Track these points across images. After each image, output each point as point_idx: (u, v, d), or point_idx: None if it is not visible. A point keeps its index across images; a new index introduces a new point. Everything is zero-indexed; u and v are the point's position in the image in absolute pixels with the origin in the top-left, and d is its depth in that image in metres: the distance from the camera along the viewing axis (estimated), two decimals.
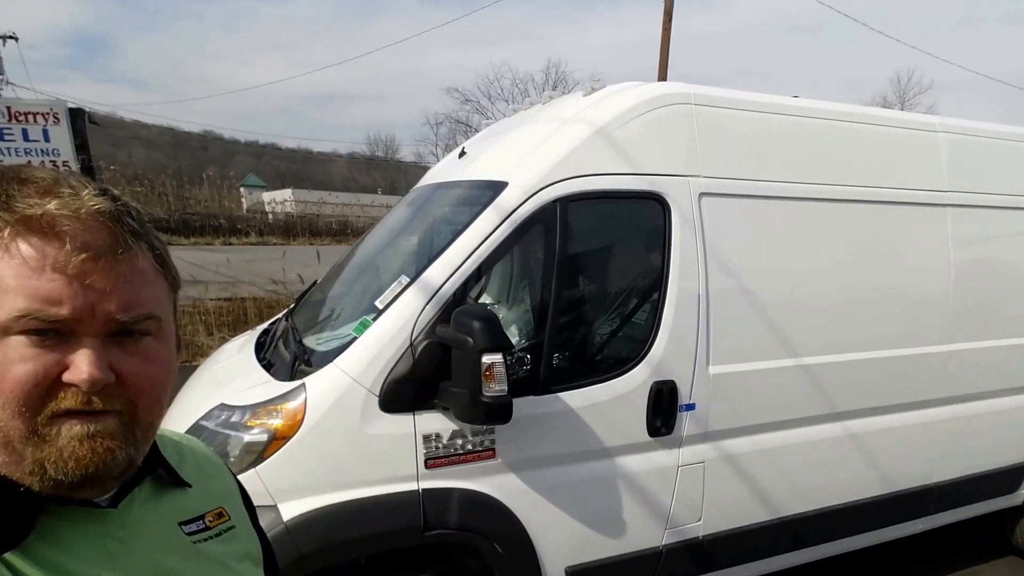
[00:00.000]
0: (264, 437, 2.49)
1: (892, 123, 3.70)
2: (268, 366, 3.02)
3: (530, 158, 2.97)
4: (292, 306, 3.95)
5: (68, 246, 0.70)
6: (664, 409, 2.95)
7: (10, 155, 12.48)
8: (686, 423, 3.02)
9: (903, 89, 52.35)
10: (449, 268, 2.70)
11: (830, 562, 3.75)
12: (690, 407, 3.02)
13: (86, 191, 0.74)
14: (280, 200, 43.07)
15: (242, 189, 49.21)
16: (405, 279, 2.76)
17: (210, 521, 0.92)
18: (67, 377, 0.71)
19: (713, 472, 3.13)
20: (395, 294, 2.71)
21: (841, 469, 3.52)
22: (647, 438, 2.94)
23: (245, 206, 41.24)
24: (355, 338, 2.66)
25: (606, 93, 3.19)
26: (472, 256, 2.72)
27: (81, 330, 0.72)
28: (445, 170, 4.02)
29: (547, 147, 2.98)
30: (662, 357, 2.94)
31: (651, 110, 3.05)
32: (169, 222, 25.02)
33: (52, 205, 0.71)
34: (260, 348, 3.37)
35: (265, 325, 3.95)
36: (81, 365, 0.71)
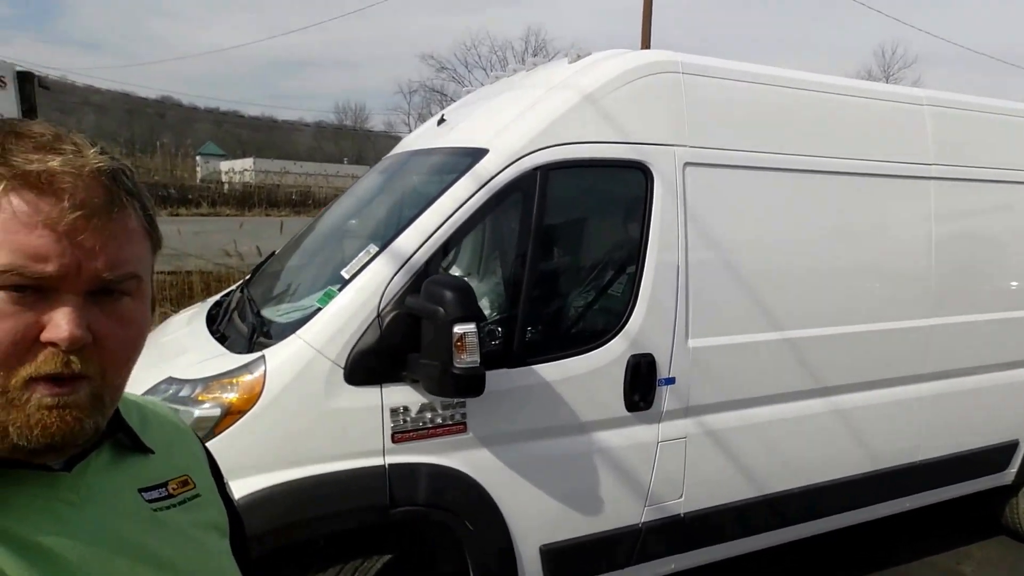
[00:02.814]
0: (216, 412, 2.52)
1: (879, 96, 3.83)
2: (222, 339, 3.06)
3: (513, 125, 3.03)
4: (248, 277, 3.99)
5: (65, 203, 0.73)
6: (642, 383, 3.04)
7: None
8: (665, 397, 3.12)
9: (887, 63, 53.53)
10: (422, 236, 2.75)
11: (813, 541, 3.89)
12: (669, 381, 3.12)
13: (91, 149, 0.78)
14: (239, 170, 42.59)
15: (198, 158, 48.63)
16: (374, 248, 2.81)
17: (173, 489, 0.93)
18: (46, 336, 0.73)
19: (695, 448, 3.24)
20: (363, 263, 2.76)
21: (825, 445, 3.65)
22: (625, 413, 3.04)
23: (200, 176, 40.84)
24: (319, 309, 2.71)
25: (593, 60, 3.27)
26: (446, 224, 2.77)
27: (63, 287, 0.74)
28: (422, 138, 4.06)
29: (531, 114, 3.05)
30: (640, 330, 3.03)
31: (639, 78, 3.13)
32: None
33: (56, 162, 0.74)
34: (212, 321, 3.40)
35: (216, 298, 3.98)
36: (61, 323, 0.73)
